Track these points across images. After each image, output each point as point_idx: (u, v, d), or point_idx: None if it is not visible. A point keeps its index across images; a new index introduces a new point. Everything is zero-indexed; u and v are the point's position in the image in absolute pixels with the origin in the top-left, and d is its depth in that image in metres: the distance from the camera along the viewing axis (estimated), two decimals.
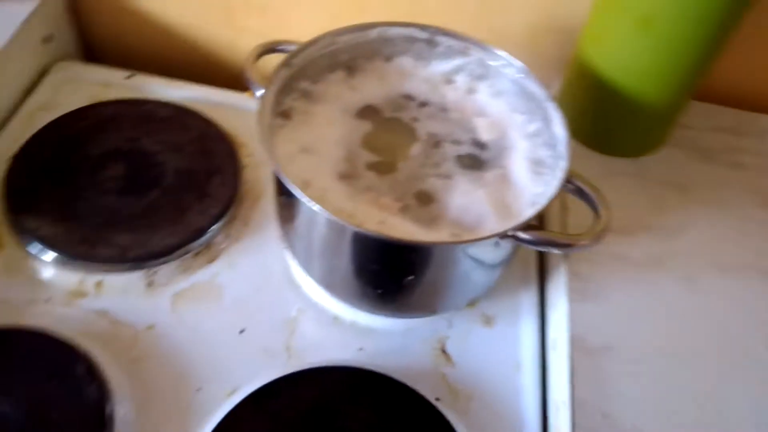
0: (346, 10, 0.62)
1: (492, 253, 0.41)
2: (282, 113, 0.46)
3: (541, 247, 0.39)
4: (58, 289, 0.47)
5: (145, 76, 0.62)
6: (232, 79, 0.69)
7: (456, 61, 0.50)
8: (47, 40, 0.62)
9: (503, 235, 0.38)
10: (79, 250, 0.47)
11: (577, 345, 0.43)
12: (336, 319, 0.49)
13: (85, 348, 0.43)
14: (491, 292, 0.50)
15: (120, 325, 0.46)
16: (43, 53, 0.61)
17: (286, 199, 0.44)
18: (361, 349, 0.47)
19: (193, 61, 0.69)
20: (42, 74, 0.61)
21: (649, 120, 0.53)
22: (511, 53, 0.48)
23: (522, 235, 0.38)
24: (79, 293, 0.47)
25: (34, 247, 0.48)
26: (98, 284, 0.48)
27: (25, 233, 0.48)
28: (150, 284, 0.49)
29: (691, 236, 0.50)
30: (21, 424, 0.39)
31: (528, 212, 0.39)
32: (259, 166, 0.57)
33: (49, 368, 0.42)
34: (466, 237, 0.41)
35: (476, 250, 0.40)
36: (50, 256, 0.47)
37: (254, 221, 0.54)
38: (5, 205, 0.49)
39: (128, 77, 0.62)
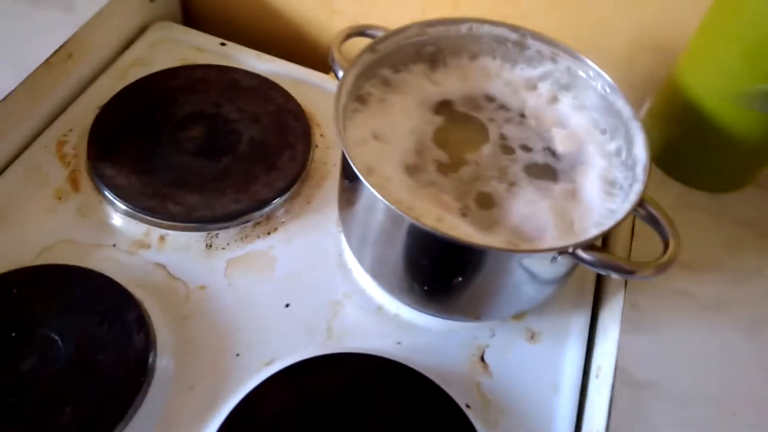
0: (439, 4, 0.61)
1: (548, 268, 0.40)
2: (359, 98, 0.46)
3: (600, 269, 0.37)
4: (123, 238, 0.50)
5: (236, 46, 0.64)
6: (318, 59, 0.70)
7: (543, 68, 0.48)
8: None
9: (563, 251, 0.37)
10: (149, 204, 0.49)
11: (621, 376, 0.41)
12: (379, 309, 0.49)
13: (139, 297, 0.45)
14: (541, 307, 0.48)
15: (174, 280, 0.48)
16: (145, 11, 0.64)
17: (349, 182, 0.44)
18: (399, 342, 0.47)
19: (284, 38, 0.70)
20: (141, 31, 0.64)
21: (740, 156, 0.49)
22: (601, 66, 0.46)
23: (583, 254, 0.37)
24: (142, 244, 0.49)
25: (108, 195, 0.50)
26: (161, 238, 0.50)
27: (101, 180, 0.50)
28: (209, 246, 0.50)
29: (763, 283, 0.46)
30: (69, 358, 0.42)
31: (593, 231, 0.37)
32: (329, 148, 0.58)
33: (104, 311, 0.44)
34: (523, 246, 0.40)
35: (532, 262, 0.39)
36: (121, 205, 0.50)
37: (316, 201, 0.54)
38: (88, 150, 0.52)
39: (222, 44, 0.64)
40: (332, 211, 0.54)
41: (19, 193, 0.51)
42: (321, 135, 0.59)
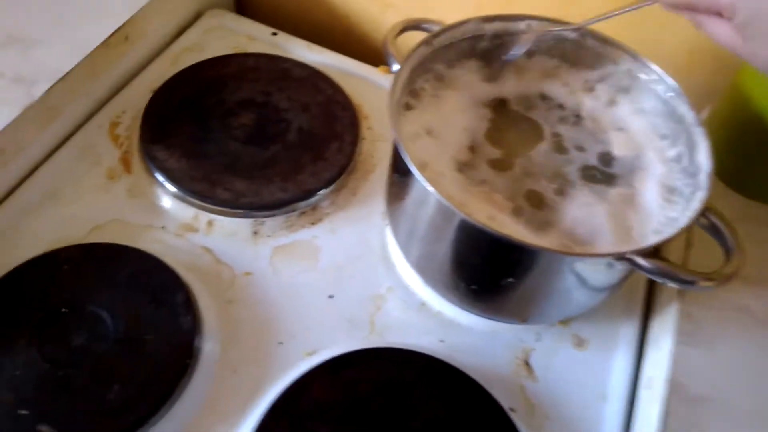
0: (494, 3, 0.61)
1: (602, 273, 0.39)
2: (412, 92, 0.46)
3: (658, 277, 0.36)
4: (172, 220, 0.50)
5: (287, 36, 0.64)
6: (367, 52, 0.69)
7: (603, 69, 0.47)
8: None
9: (620, 257, 0.36)
10: (199, 188, 0.50)
11: (675, 389, 0.40)
12: (423, 306, 0.48)
13: (186, 280, 0.45)
14: (588, 313, 0.47)
15: (221, 265, 0.48)
16: None
17: (399, 176, 0.44)
18: (442, 340, 0.47)
19: (334, 29, 0.70)
20: (195, 18, 0.64)
21: None
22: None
23: (640, 260, 0.36)
24: (190, 228, 0.50)
25: (159, 177, 0.50)
26: (209, 223, 0.50)
27: (153, 162, 0.51)
28: (255, 233, 0.50)
29: None
30: (117, 336, 0.42)
31: (652, 238, 0.36)
32: (376, 141, 0.58)
33: (152, 291, 0.44)
34: (578, 250, 0.39)
35: (586, 267, 0.38)
36: (172, 188, 0.50)
37: (362, 193, 0.54)
38: (141, 133, 0.52)
39: (273, 34, 0.64)
40: (377, 204, 0.53)
41: (72, 171, 0.51)
42: (368, 128, 0.59)
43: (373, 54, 0.70)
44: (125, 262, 0.45)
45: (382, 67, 0.64)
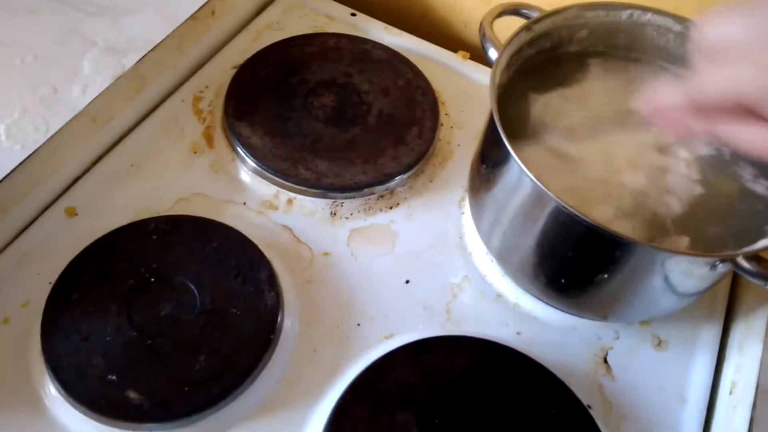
0: None
1: (699, 276, 0.38)
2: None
3: (759, 280, 0.35)
4: (254, 197, 0.50)
5: (366, 17, 0.64)
6: (444, 36, 0.69)
7: None
8: None
9: (725, 259, 0.35)
10: (282, 166, 0.50)
11: (762, 395, 0.39)
12: (499, 297, 0.48)
13: (269, 257, 0.46)
14: (669, 315, 0.46)
15: (300, 244, 0.49)
16: None
17: (490, 163, 0.43)
18: (518, 333, 0.46)
19: (412, 13, 0.69)
20: None
21: None
22: None
23: (745, 264, 0.35)
24: (271, 205, 0.50)
25: (242, 153, 0.51)
26: (289, 201, 0.50)
27: (237, 138, 0.51)
28: (334, 214, 0.50)
29: None
30: (204, 308, 0.43)
31: (761, 242, 0.36)
32: (453, 128, 0.57)
33: (238, 266, 0.45)
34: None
35: (689, 267, 0.37)
36: (254, 164, 0.50)
37: (439, 179, 0.54)
38: (225, 108, 0.53)
39: (352, 14, 0.64)
40: (454, 192, 0.53)
41: (157, 143, 0.52)
42: (445, 113, 0.58)
43: (448, 38, 0.69)
44: (211, 235, 0.46)
45: (460, 53, 0.63)
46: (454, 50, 0.63)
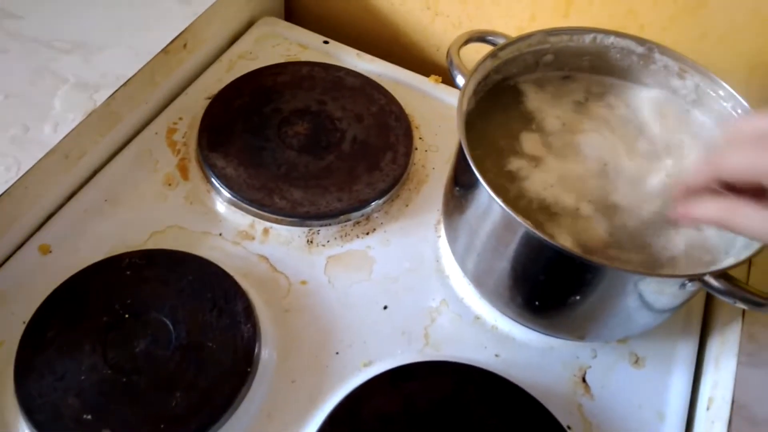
0: (549, 11, 0.60)
1: (671, 294, 0.39)
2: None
3: (729, 298, 0.36)
4: (230, 228, 0.50)
5: (339, 44, 0.65)
6: (416, 61, 0.69)
7: (669, 84, 0.47)
8: None
9: (694, 278, 0.35)
10: (257, 196, 0.50)
11: (738, 411, 0.39)
12: (477, 319, 0.48)
13: (245, 288, 0.46)
14: (646, 332, 0.47)
15: (277, 273, 0.49)
16: (253, 6, 0.65)
17: (461, 187, 0.44)
18: (497, 355, 0.47)
19: (383, 37, 0.70)
20: (248, 25, 0.65)
21: None
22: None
23: (713, 282, 0.35)
24: (247, 235, 0.50)
25: (217, 184, 0.51)
26: (265, 231, 0.50)
27: (211, 169, 0.51)
28: (310, 241, 0.51)
29: None
30: (180, 343, 0.43)
31: (728, 260, 0.36)
32: (428, 152, 0.58)
33: (213, 299, 0.45)
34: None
35: (658, 287, 0.38)
36: (229, 195, 0.50)
37: (414, 204, 0.54)
38: (198, 140, 0.53)
39: (325, 42, 0.64)
40: (430, 215, 0.53)
41: (131, 176, 0.52)
42: (419, 138, 0.59)
43: (420, 62, 0.70)
44: (186, 268, 0.46)
45: (432, 77, 0.64)
46: (427, 74, 0.64)
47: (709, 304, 0.49)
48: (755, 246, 0.36)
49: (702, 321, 0.49)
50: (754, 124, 0.33)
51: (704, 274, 0.35)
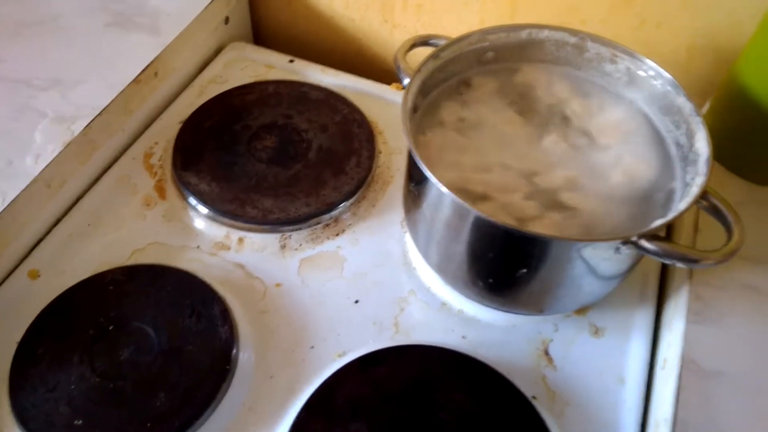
0: (496, 15, 0.64)
1: (610, 259, 0.41)
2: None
3: (665, 258, 0.38)
4: (206, 240, 0.53)
5: (303, 62, 0.68)
6: (379, 72, 0.73)
7: (602, 68, 0.50)
8: (226, 21, 0.69)
9: (626, 241, 0.38)
10: (229, 208, 0.53)
11: (688, 366, 0.42)
12: (444, 305, 0.51)
13: (222, 294, 0.49)
14: (604, 302, 0.49)
15: (253, 278, 0.52)
16: (221, 33, 0.69)
17: (415, 183, 0.47)
18: (464, 337, 0.49)
19: (348, 52, 0.74)
20: (217, 52, 0.69)
21: None
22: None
23: (646, 244, 0.38)
24: (223, 246, 0.53)
25: (192, 201, 0.54)
26: (240, 240, 0.53)
27: (186, 187, 0.54)
28: (283, 247, 0.53)
29: None
30: (162, 349, 0.45)
31: (656, 222, 0.39)
32: (392, 154, 0.61)
33: (192, 306, 0.47)
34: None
35: (594, 253, 0.40)
36: (204, 210, 0.54)
37: (380, 204, 0.57)
38: (173, 161, 0.56)
39: (290, 61, 0.68)
40: (396, 213, 0.56)
41: (112, 200, 0.55)
42: (383, 142, 0.62)
43: (384, 73, 0.73)
44: (165, 280, 0.49)
45: (394, 85, 0.67)
46: (389, 83, 0.67)
47: (665, 272, 0.52)
48: (681, 207, 0.39)
49: (659, 288, 0.51)
50: None
51: (634, 236, 0.37)
